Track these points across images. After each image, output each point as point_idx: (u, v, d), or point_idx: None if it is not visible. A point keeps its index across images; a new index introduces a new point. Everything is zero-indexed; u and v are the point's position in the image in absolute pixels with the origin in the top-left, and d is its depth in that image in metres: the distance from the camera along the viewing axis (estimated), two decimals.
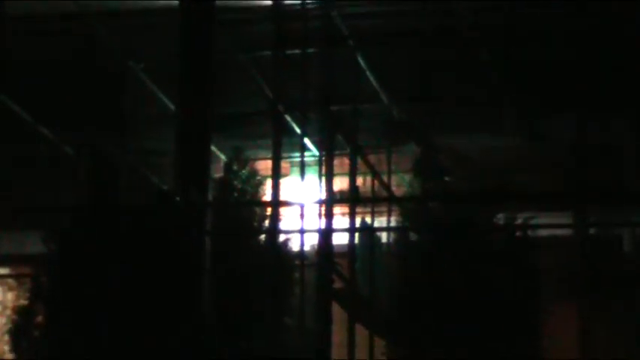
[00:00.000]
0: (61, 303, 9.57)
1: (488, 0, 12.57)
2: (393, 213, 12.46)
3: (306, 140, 13.14)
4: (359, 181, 13.37)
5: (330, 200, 11.97)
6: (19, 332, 9.57)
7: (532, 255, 10.18)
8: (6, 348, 9.91)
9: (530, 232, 10.24)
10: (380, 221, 13.06)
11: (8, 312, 10.50)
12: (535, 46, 12.99)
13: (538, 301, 10.19)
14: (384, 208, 13.18)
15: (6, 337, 9.85)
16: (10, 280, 12.23)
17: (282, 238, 11.39)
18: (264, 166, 11.98)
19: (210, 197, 10.70)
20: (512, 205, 10.28)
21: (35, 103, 12.79)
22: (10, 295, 11.95)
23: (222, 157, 11.72)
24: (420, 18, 12.75)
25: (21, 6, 11.62)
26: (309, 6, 12.34)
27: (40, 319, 9.65)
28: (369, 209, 13.29)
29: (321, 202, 12.07)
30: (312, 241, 11.64)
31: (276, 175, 11.43)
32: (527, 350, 10.10)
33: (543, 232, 10.60)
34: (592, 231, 11.44)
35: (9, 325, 9.84)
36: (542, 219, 10.38)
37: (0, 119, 11.61)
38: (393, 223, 12.15)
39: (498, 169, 11.75)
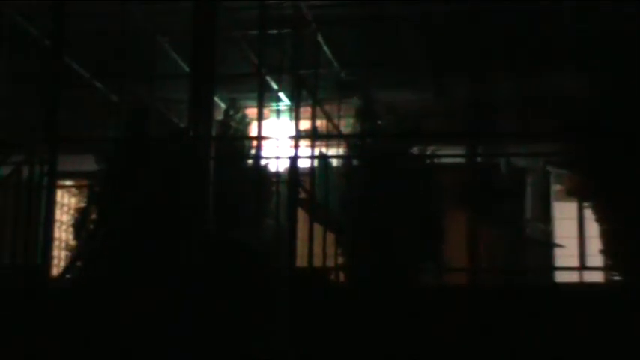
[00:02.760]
0: (107, 205, 9.68)
1: None
2: (341, 146, 12.63)
3: (281, 94, 13.40)
4: (318, 123, 13.60)
5: (297, 136, 12.19)
6: (79, 225, 9.71)
7: (436, 176, 10.26)
8: (70, 236, 9.86)
9: (435, 160, 10.31)
10: (332, 151, 13.13)
11: (72, 212, 10.53)
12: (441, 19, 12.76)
13: (441, 211, 10.24)
14: (335, 143, 13.41)
15: (70, 229, 9.99)
16: (73, 189, 12.24)
17: (263, 162, 11.44)
18: (252, 111, 11.91)
19: (213, 133, 10.64)
20: (424, 141, 10.34)
21: (91, 64, 12.83)
22: (72, 200, 11.96)
23: (222, 105, 11.69)
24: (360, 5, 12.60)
25: None
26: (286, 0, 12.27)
27: (93, 216, 9.76)
28: (325, 143, 13.57)
29: (291, 138, 12.37)
30: (284, 164, 11.59)
31: (260, 118, 11.60)
32: (434, 247, 10.11)
33: (446, 161, 10.70)
34: (479, 159, 11.46)
35: (72, 221, 9.93)
36: (445, 151, 10.48)
37: (65, 75, 11.28)
38: (341, 153, 12.27)
39: (415, 115, 11.75)
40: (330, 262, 10.83)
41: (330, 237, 11.13)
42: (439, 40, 13.32)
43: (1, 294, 9.19)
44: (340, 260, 10.30)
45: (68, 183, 12.18)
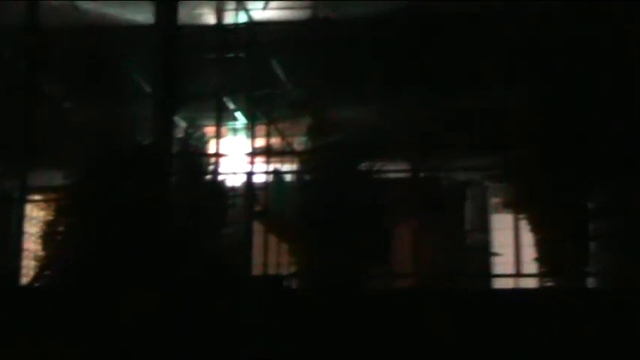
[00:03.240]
0: (74, 217, 9.52)
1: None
2: (294, 161, 12.40)
3: (238, 113, 13.45)
4: (273, 140, 13.78)
5: (253, 153, 12.38)
6: (46, 237, 9.57)
7: (383, 189, 10.21)
8: (38, 247, 9.78)
9: (382, 174, 10.26)
10: (286, 167, 13.07)
11: (40, 224, 10.49)
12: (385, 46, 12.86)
13: (388, 221, 10.10)
14: (289, 159, 13.26)
15: (39, 240, 9.77)
16: (41, 203, 12.22)
17: (221, 177, 11.29)
18: (211, 130, 11.94)
19: (174, 150, 10.71)
20: (372, 156, 10.33)
21: (61, 85, 12.78)
22: (41, 213, 11.94)
23: (183, 123, 11.64)
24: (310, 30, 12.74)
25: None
26: (241, 26, 12.50)
27: (60, 228, 9.60)
28: (279, 159, 13.55)
29: (247, 154, 12.53)
30: (241, 179, 11.82)
31: (218, 136, 11.83)
32: (381, 262, 10.05)
33: (392, 175, 10.81)
34: (422, 174, 11.48)
35: (40, 233, 9.79)
36: (391, 166, 10.55)
37: (37, 96, 11.32)
38: (294, 168, 11.98)
39: (363, 131, 11.77)
40: (284, 269, 10.83)
41: (284, 246, 11.08)
42: (385, 61, 13.28)
43: None
44: (293, 268, 10.24)
45: (37, 197, 12.12)
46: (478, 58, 13.04)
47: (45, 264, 9.56)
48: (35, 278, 9.80)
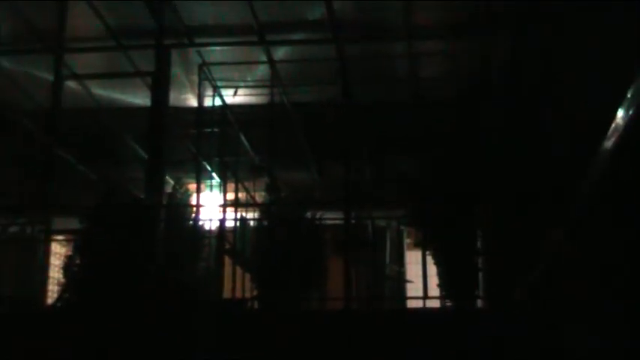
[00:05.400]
0: (87, 254, 9.42)
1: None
2: (255, 211, 12.46)
3: (213, 174, 13.47)
4: (240, 195, 13.81)
5: (225, 204, 12.41)
6: (67, 267, 9.47)
7: (321, 232, 10.25)
8: (60, 276, 9.77)
9: (321, 221, 10.25)
10: (249, 215, 13.01)
11: (62, 258, 10.27)
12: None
13: (324, 256, 10.14)
14: (251, 209, 13.28)
15: (60, 271, 9.71)
16: (62, 241, 12.06)
17: (200, 223, 11.23)
18: (192, 186, 11.82)
19: (164, 202, 10.68)
20: (312, 207, 10.36)
21: (75, 152, 12.69)
22: (63, 249, 11.71)
23: (171, 181, 11.55)
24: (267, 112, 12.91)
25: None
26: (216, 108, 12.65)
27: (77, 261, 9.48)
28: (244, 209, 13.49)
29: (220, 205, 12.54)
30: (215, 224, 11.79)
31: (198, 191, 11.75)
32: (319, 282, 10.06)
33: (328, 222, 10.75)
34: (352, 221, 11.39)
35: (62, 264, 9.73)
36: (327, 215, 10.56)
37: (56, 161, 11.27)
38: (255, 216, 11.98)
39: (305, 189, 11.67)
40: (247, 294, 10.80)
41: (247, 276, 11.12)
42: (320, 138, 13.64)
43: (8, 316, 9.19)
44: (254, 292, 10.18)
45: (60, 237, 12.03)
46: (390, 138, 13.46)
47: (65, 289, 9.50)
48: (57, 299, 9.81)
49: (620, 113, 4.29)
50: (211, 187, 13.96)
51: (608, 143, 4.54)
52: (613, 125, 4.43)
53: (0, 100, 12.57)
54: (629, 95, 4.14)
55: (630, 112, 4.13)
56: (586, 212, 5.72)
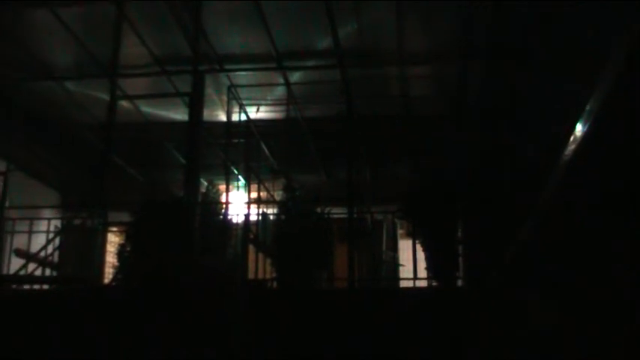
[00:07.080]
0: (136, 242, 9.28)
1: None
2: (274, 207, 12.05)
3: (239, 176, 13.40)
4: (261, 193, 13.71)
5: (249, 202, 12.36)
6: (120, 253, 9.36)
7: (329, 224, 9.99)
8: (115, 260, 9.62)
9: (329, 215, 9.98)
10: (270, 210, 12.79)
11: (116, 246, 10.20)
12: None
13: (332, 243, 9.92)
14: (271, 205, 13.09)
15: (115, 256, 9.61)
16: (117, 232, 11.95)
17: (229, 217, 11.13)
18: (222, 187, 11.76)
19: (199, 199, 10.60)
20: (322, 204, 10.08)
21: (125, 157, 12.58)
22: (117, 239, 11.65)
23: (205, 182, 11.44)
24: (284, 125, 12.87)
25: None
26: (241, 122, 12.49)
27: (128, 248, 9.34)
28: (265, 205, 13.47)
29: (245, 202, 12.46)
30: (241, 218, 11.60)
31: (227, 191, 11.76)
32: (327, 264, 9.85)
33: (335, 215, 10.45)
34: (354, 215, 11.24)
35: (116, 251, 9.61)
36: (334, 210, 10.29)
37: (111, 165, 11.17)
38: (275, 211, 11.51)
39: (316, 189, 11.59)
40: (268, 275, 10.72)
41: (268, 260, 10.98)
42: (327, 146, 13.61)
43: (73, 293, 9.22)
44: (273, 274, 10.02)
45: (114, 228, 12.01)
46: (386, 146, 13.45)
47: (118, 271, 9.46)
48: (112, 280, 9.82)
49: (579, 127, 4.32)
50: (238, 187, 13.90)
51: (567, 152, 4.57)
52: (571, 137, 4.44)
53: (66, 117, 12.77)
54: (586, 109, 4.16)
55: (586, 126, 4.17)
56: (546, 210, 5.74)
